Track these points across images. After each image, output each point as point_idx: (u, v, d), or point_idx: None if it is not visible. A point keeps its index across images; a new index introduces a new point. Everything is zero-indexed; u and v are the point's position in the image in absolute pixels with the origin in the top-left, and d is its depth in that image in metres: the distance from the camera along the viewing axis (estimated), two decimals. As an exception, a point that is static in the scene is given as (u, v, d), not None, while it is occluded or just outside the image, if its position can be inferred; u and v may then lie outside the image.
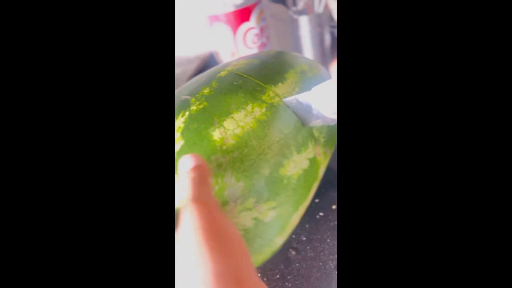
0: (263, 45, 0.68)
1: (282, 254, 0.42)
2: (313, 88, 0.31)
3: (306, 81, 0.37)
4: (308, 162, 0.31)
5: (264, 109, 0.30)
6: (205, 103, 0.29)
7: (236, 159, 0.27)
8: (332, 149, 0.37)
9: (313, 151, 0.31)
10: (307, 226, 0.44)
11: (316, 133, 0.33)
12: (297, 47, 0.69)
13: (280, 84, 0.34)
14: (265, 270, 0.41)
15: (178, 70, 0.72)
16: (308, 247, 0.42)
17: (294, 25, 0.66)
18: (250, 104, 0.30)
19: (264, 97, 0.31)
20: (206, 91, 0.31)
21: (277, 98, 0.32)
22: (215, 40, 0.67)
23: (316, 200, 0.47)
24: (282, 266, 0.41)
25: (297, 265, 0.41)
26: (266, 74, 0.34)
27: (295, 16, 0.64)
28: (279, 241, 0.31)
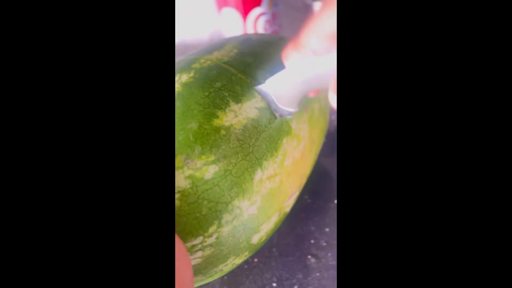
0: (274, 32, 0.63)
1: (300, 262, 0.38)
2: (267, 81, 0.30)
3: (248, 44, 0.35)
4: (257, 111, 0.29)
5: (192, 74, 0.30)
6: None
7: None
8: (308, 102, 0.34)
9: (262, 101, 0.30)
10: (327, 230, 0.40)
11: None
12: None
13: (215, 52, 0.33)
14: (281, 279, 0.37)
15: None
16: (330, 254, 0.38)
17: (308, 12, 0.61)
18: (179, 74, 0.30)
19: (194, 65, 0.31)
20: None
21: (208, 62, 0.31)
22: (223, 26, 0.62)
23: (335, 201, 0.43)
24: (300, 275, 0.37)
25: (317, 274, 0.37)
26: (206, 49, 0.35)
27: (309, 2, 0.60)
28: (244, 205, 0.27)
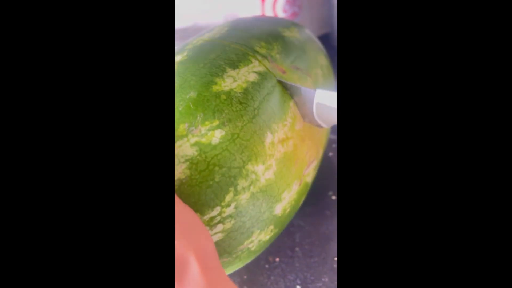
0: (294, 14, 0.60)
1: (325, 263, 0.36)
2: (317, 90, 0.30)
3: (239, 22, 0.36)
4: (256, 75, 0.28)
5: (185, 53, 0.30)
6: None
7: None
8: (310, 66, 0.34)
9: (261, 65, 0.29)
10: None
11: (261, 50, 0.31)
12: (331, 18, 0.62)
13: (206, 33, 0.34)
14: (306, 281, 0.35)
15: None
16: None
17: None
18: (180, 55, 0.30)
19: (186, 47, 0.31)
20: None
21: (200, 41, 0.32)
22: (240, 7, 0.59)
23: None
24: (326, 279, 0.35)
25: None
26: (200, 34, 0.35)
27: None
28: (259, 170, 0.26)
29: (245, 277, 0.36)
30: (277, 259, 0.38)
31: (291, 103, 0.29)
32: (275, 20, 0.39)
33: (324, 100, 0.29)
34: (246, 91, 0.27)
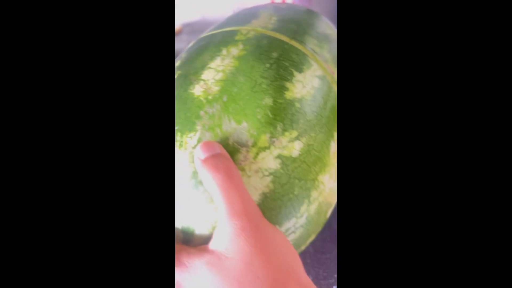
0: (304, 4, 0.59)
1: (338, 260, 0.36)
2: None
3: (283, 12, 0.34)
4: (319, 80, 0.27)
5: (241, 46, 0.28)
6: (179, 71, 0.28)
7: (227, 102, 0.24)
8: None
9: (319, 68, 0.28)
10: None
11: (316, 49, 0.30)
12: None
13: (253, 21, 0.32)
14: (318, 277, 0.35)
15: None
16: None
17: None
18: (224, 48, 0.28)
19: (237, 37, 0.29)
20: (177, 63, 0.29)
21: (252, 32, 0.30)
22: (250, 1, 0.58)
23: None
24: (339, 275, 0.35)
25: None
26: (237, 19, 0.33)
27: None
28: (326, 180, 0.26)
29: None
30: (289, 255, 0.37)
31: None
32: (308, 11, 0.37)
33: None
34: (314, 99, 0.26)
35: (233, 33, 0.30)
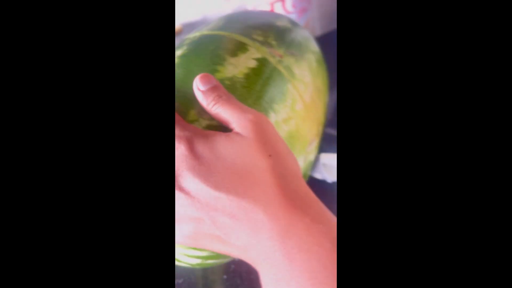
0: (303, 10, 0.59)
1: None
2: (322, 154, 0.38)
3: (234, 15, 0.38)
4: (256, 61, 0.30)
5: (185, 47, 0.32)
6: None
7: None
8: (303, 51, 0.36)
9: (258, 52, 0.31)
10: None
11: (258, 38, 0.33)
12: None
13: (204, 28, 0.36)
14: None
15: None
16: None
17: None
18: (176, 51, 0.32)
19: (185, 42, 0.33)
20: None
21: (197, 34, 0.33)
22: (249, 2, 0.59)
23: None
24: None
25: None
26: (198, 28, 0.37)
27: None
28: None
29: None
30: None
31: (290, 86, 0.31)
32: (267, 12, 0.41)
33: (330, 161, 0.37)
34: (247, 76, 0.29)
35: (184, 40, 0.34)
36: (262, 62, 0.31)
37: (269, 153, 0.22)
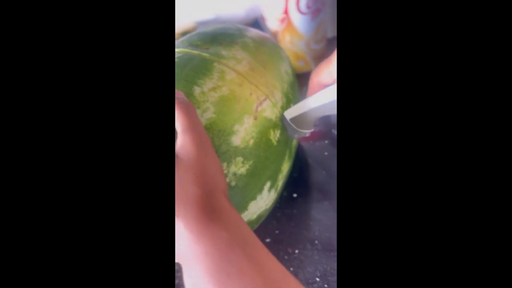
0: (317, 11, 0.60)
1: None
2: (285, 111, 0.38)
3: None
4: (177, 59, 0.37)
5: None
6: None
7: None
8: (233, 39, 0.42)
9: (182, 52, 0.39)
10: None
11: (197, 43, 0.39)
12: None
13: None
14: (326, 274, 0.35)
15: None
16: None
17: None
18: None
19: None
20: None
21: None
22: (264, 2, 0.59)
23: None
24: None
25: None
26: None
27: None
28: (199, 113, 0.32)
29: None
30: (297, 251, 0.38)
31: (215, 64, 0.36)
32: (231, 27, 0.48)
33: (293, 113, 0.37)
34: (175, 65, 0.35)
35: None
36: (184, 55, 0.37)
37: (194, 171, 0.24)
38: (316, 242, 0.39)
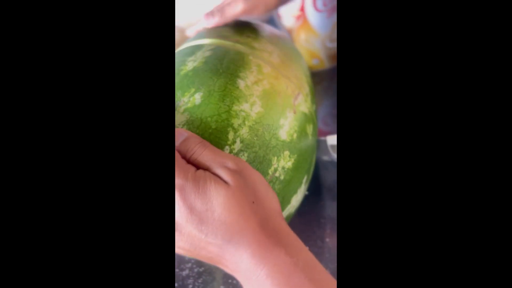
0: (334, 9, 0.59)
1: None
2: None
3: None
4: (211, 51, 0.36)
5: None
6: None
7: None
8: (258, 33, 0.41)
9: (213, 44, 0.37)
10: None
11: (225, 33, 0.39)
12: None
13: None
14: (335, 272, 0.35)
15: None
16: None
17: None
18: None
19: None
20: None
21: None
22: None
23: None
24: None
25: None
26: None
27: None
28: (246, 107, 0.32)
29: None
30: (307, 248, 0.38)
31: (250, 57, 0.36)
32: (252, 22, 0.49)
33: (334, 142, 0.42)
34: (206, 62, 0.34)
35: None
36: (217, 48, 0.36)
37: (251, 199, 0.24)
38: (327, 240, 0.38)
